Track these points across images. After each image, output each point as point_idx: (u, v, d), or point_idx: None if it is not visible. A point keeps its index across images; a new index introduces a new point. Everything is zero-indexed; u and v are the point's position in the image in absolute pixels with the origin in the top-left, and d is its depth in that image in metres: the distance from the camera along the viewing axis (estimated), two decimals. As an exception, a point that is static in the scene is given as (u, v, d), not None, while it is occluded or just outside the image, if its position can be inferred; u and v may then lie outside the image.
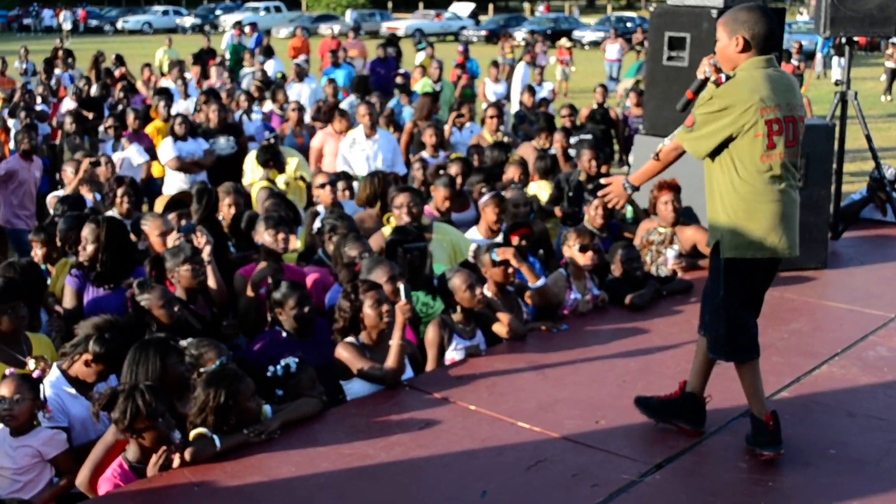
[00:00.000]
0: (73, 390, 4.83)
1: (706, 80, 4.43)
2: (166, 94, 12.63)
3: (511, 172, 8.88)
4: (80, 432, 4.82)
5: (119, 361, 4.71)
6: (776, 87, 4.26)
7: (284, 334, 5.54)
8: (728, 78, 4.29)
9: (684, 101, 4.65)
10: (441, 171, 8.56)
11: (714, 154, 4.35)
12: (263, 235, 6.39)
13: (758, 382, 4.53)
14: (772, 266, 4.49)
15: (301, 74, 15.79)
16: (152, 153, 11.02)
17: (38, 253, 6.59)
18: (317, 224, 7.07)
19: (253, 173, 9.67)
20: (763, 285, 4.56)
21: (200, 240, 5.98)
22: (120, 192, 7.71)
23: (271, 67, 18.40)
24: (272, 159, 9.42)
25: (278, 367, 4.98)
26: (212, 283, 5.98)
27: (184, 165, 10.33)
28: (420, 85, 14.76)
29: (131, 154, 10.59)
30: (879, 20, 8.00)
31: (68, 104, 13.92)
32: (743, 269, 4.39)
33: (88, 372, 4.81)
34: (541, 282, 6.33)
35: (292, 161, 9.86)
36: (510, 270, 6.13)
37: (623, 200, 4.78)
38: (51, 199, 8.77)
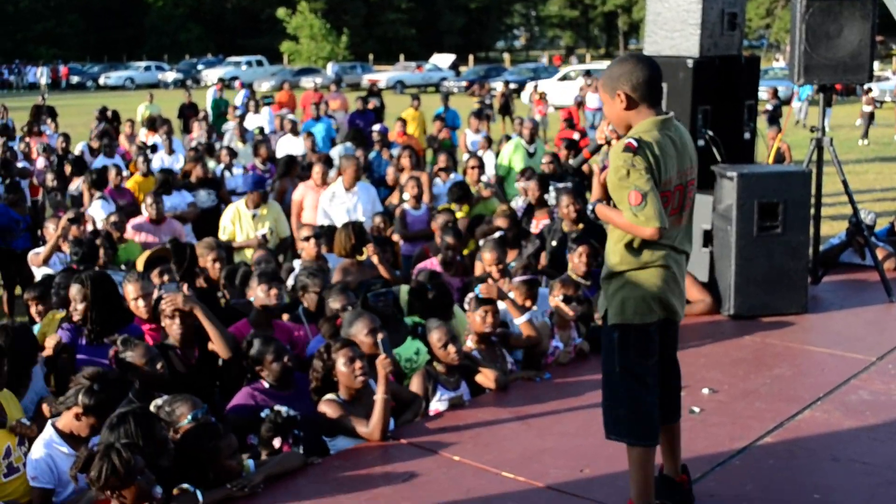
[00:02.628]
0: (66, 448, 4.77)
1: (606, 143, 4.26)
2: (145, 150, 12.71)
3: (500, 223, 8.95)
4: (72, 491, 4.75)
5: (109, 413, 4.68)
6: (670, 153, 4.02)
7: (267, 385, 5.53)
8: (638, 142, 3.95)
9: (581, 160, 4.62)
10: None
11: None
12: (256, 291, 6.37)
13: (651, 471, 4.23)
14: (664, 330, 4.25)
15: (294, 129, 15.85)
16: (137, 208, 11.03)
17: (33, 311, 6.59)
18: (290, 281, 7.06)
19: (227, 231, 9.68)
20: (657, 350, 4.23)
21: (177, 299, 5.91)
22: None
23: (258, 122, 18.47)
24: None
25: (283, 411, 4.99)
26: (214, 339, 5.88)
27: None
28: (512, 145, 13.31)
29: (95, 211, 10.35)
30: (852, 67, 8.12)
31: (42, 162, 13.97)
32: (633, 335, 4.14)
33: (80, 426, 4.76)
34: (526, 316, 6.33)
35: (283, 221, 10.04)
36: (489, 319, 6.14)
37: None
38: (32, 256, 8.75)
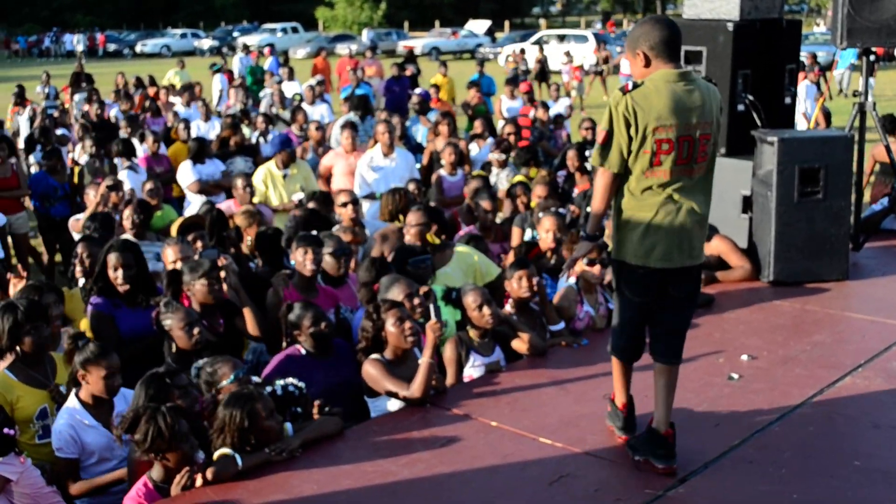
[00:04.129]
0: (88, 420, 4.84)
1: None
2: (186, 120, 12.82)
3: (539, 192, 8.92)
4: (97, 461, 4.88)
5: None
6: (678, 104, 4.21)
7: (304, 352, 5.55)
8: (635, 86, 4.25)
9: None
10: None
11: None
12: (296, 255, 6.40)
13: (622, 378, 4.73)
14: (656, 276, 4.38)
15: (314, 97, 15.85)
16: (174, 175, 11.11)
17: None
18: None
19: (259, 192, 9.79)
20: (648, 294, 4.44)
21: (224, 261, 6.00)
22: (126, 212, 7.78)
23: (291, 89, 18.51)
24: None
25: (277, 386, 4.92)
26: (250, 322, 5.95)
27: (204, 188, 10.42)
28: None
29: (122, 178, 10.16)
30: (896, 30, 7.99)
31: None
32: (625, 272, 4.43)
33: (96, 381, 4.80)
34: (560, 325, 6.28)
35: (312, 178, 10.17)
36: (525, 283, 6.12)
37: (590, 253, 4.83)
38: (72, 222, 8.84)
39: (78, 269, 6.61)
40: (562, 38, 42.16)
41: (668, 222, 4.30)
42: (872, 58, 8.44)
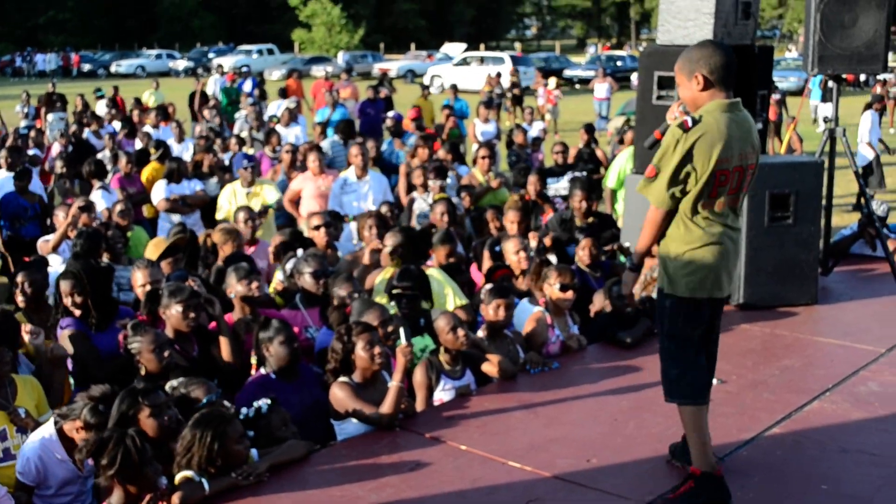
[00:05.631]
0: (60, 454, 4.77)
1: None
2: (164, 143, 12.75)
3: (511, 217, 8.85)
4: (54, 493, 4.82)
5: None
6: (734, 136, 4.21)
7: (273, 377, 5.52)
8: (695, 121, 4.18)
9: (652, 140, 4.58)
10: (433, 229, 8.46)
11: None
12: (236, 287, 6.35)
13: (705, 431, 4.43)
14: (714, 305, 4.49)
15: (291, 119, 15.86)
16: (146, 196, 11.04)
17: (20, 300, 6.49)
18: (289, 266, 7.05)
19: (223, 210, 9.81)
20: (702, 325, 4.47)
21: (192, 283, 5.98)
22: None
23: (271, 110, 18.47)
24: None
25: (250, 409, 4.91)
26: (225, 351, 5.90)
27: (174, 207, 10.38)
28: (626, 155, 10.76)
29: (95, 199, 10.05)
30: (867, 57, 8.07)
31: (57, 148, 14.01)
32: (682, 307, 4.38)
33: (78, 438, 4.74)
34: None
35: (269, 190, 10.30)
36: (502, 313, 6.12)
37: (635, 283, 4.72)
38: (41, 243, 8.74)
39: (19, 297, 6.45)
40: (482, 60, 43.00)
41: (721, 252, 4.33)
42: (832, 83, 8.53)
